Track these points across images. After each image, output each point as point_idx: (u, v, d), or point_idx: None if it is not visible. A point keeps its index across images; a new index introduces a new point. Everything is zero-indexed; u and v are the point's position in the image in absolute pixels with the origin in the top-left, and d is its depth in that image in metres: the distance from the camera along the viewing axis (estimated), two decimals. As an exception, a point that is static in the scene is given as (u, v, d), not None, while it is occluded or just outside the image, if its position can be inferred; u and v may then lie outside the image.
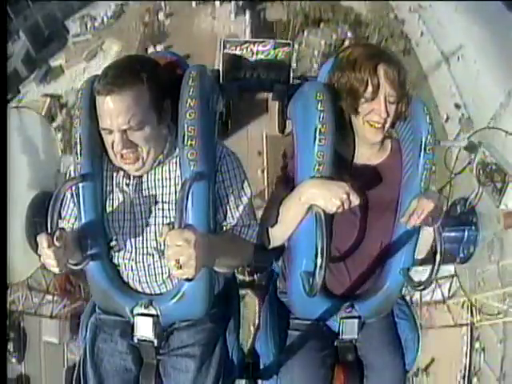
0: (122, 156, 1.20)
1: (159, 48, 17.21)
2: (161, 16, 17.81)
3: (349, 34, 16.75)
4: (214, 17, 17.20)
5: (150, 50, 17.20)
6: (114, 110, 1.14)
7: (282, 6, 17.25)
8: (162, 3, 17.97)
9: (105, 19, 18.79)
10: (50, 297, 8.52)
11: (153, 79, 1.18)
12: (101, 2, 19.32)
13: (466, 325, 8.78)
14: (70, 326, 10.18)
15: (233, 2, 17.01)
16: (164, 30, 17.56)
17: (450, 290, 7.87)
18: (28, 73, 17.48)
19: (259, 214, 1.41)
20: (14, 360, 12.12)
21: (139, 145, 1.19)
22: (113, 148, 1.20)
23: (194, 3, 17.53)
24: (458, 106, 15.16)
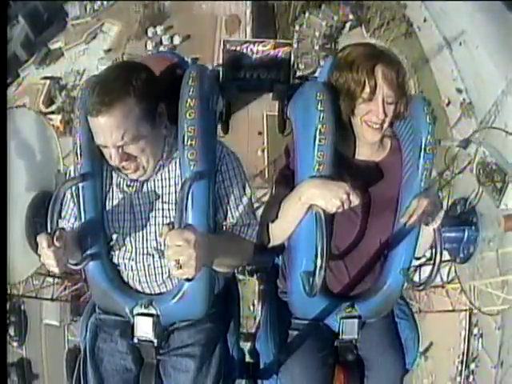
0: (122, 167, 1.20)
1: (159, 29, 17.04)
2: None
3: (350, 16, 16.70)
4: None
5: (150, 30, 17.00)
6: (105, 129, 1.12)
7: None
8: None
9: (104, 1, 18.67)
10: (50, 279, 8.47)
11: (141, 89, 1.14)
12: None
13: (465, 310, 8.77)
14: (70, 307, 10.13)
15: None
16: (164, 10, 17.36)
17: (448, 275, 7.84)
18: (27, 56, 17.39)
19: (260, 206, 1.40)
20: (15, 344, 12.08)
21: (137, 156, 1.19)
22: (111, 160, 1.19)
23: None
24: (459, 91, 15.14)
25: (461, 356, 10.74)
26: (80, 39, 17.43)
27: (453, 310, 8.51)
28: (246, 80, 1.81)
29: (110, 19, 17.89)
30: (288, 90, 1.63)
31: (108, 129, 1.12)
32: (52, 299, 8.84)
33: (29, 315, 11.92)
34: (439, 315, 8.79)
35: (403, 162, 1.38)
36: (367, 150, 1.36)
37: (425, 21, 16.88)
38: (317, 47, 15.71)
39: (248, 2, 16.61)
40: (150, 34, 17.24)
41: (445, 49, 16.21)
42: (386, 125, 1.28)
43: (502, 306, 7.06)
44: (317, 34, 15.99)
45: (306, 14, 16.47)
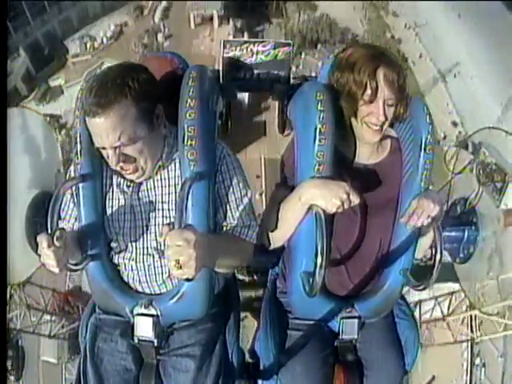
0: (121, 168, 1.20)
1: None
2: (160, 37, 18.00)
3: None
4: (213, 39, 17.29)
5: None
6: (102, 130, 1.12)
7: (279, 27, 17.38)
8: (161, 25, 18.06)
9: (104, 40, 18.92)
10: (48, 316, 8.51)
11: (138, 91, 1.14)
12: (100, 22, 19.47)
13: (466, 341, 8.73)
14: (68, 345, 10.06)
15: (231, 23, 17.08)
16: (163, 51, 17.72)
17: (449, 307, 7.89)
18: (28, 91, 17.57)
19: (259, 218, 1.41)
20: (11, 378, 12.03)
21: (135, 157, 1.19)
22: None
23: (192, 24, 17.59)
24: (455, 124, 15.21)
25: (464, 387, 10.73)
26: (80, 77, 17.50)
27: (454, 342, 8.53)
28: (245, 80, 1.81)
29: (109, 58, 18.08)
30: (288, 90, 1.63)
31: (104, 130, 1.12)
32: (50, 336, 8.84)
33: (26, 351, 11.84)
34: (441, 348, 8.74)
35: (403, 162, 1.38)
36: (367, 150, 1.36)
37: (420, 57, 16.95)
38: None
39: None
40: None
41: (440, 82, 16.23)
42: (385, 126, 1.28)
43: (505, 333, 7.07)
44: (313, 74, 16.03)
45: (303, 55, 16.58)
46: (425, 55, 16.94)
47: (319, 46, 17.01)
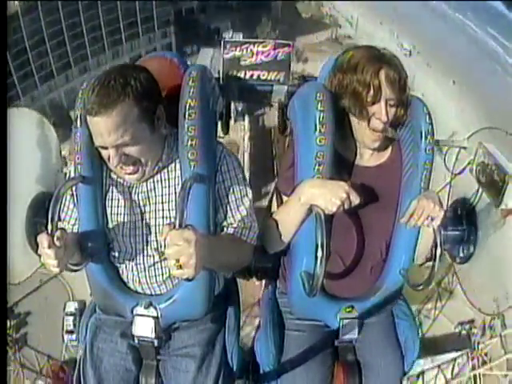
0: (121, 168, 1.20)
1: None
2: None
3: None
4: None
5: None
6: (104, 130, 1.12)
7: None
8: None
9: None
10: (41, 382, 8.40)
11: (140, 91, 1.15)
12: None
13: None
14: None
15: (232, 107, 17.18)
16: None
17: (452, 372, 7.86)
18: None
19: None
20: None
21: (135, 157, 1.19)
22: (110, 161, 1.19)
23: None
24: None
25: None
26: None
27: None
28: (246, 80, 1.81)
29: None
30: (288, 90, 1.63)
31: (106, 129, 1.12)
32: None
33: None
34: None
35: (403, 162, 1.38)
36: (367, 150, 1.36)
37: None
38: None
39: (247, 127, 16.75)
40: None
41: (437, 155, 16.21)
42: (387, 127, 1.28)
43: None
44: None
45: None
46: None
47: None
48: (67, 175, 1.36)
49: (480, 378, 7.28)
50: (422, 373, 7.79)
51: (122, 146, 1.15)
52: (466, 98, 15.37)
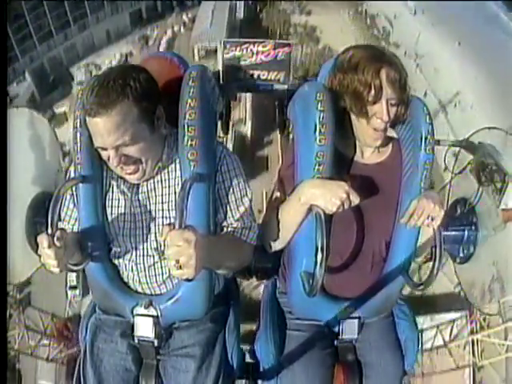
0: (121, 169, 1.20)
1: None
2: None
3: None
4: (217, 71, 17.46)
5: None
6: (103, 130, 1.12)
7: None
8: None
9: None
10: (46, 341, 8.47)
11: (139, 91, 1.14)
12: (105, 51, 19.58)
13: (469, 366, 8.64)
14: (66, 371, 9.95)
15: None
16: None
17: (451, 334, 7.88)
18: None
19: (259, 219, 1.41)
20: None
21: (135, 158, 1.19)
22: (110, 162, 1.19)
23: (196, 57, 17.59)
24: (455, 155, 15.24)
25: (466, 415, 10.64)
26: None
27: (456, 368, 8.47)
28: (246, 80, 1.81)
29: None
30: (288, 90, 1.63)
31: (106, 130, 1.12)
32: (47, 359, 8.78)
33: (23, 374, 11.76)
34: (443, 377, 8.69)
35: (403, 162, 1.38)
36: (368, 150, 1.36)
37: (419, 85, 16.88)
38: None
39: (248, 98, 16.75)
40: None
41: (440, 113, 16.24)
42: (387, 126, 1.28)
43: (507, 355, 7.04)
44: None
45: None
46: (426, 87, 17.02)
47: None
48: (67, 175, 1.36)
49: (478, 343, 7.30)
50: (421, 332, 7.80)
51: (122, 147, 1.15)
52: (470, 60, 15.33)
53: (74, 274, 12.12)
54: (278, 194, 1.40)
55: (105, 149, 1.16)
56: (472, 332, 7.28)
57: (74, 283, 12.44)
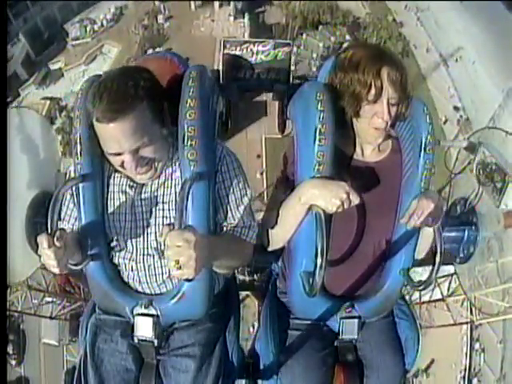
0: (134, 169, 1.19)
1: (158, 51, 17.42)
2: (160, 19, 17.90)
3: (347, 37, 16.87)
4: (213, 20, 17.29)
5: (150, 52, 17.38)
6: (120, 136, 1.11)
7: (281, 8, 17.36)
8: (162, 6, 18.08)
9: (104, 22, 18.90)
10: (49, 298, 8.44)
11: (150, 91, 1.15)
12: (100, 5, 19.45)
13: (466, 323, 8.69)
14: (69, 327, 10.04)
15: (232, 5, 17.06)
16: (163, 32, 17.69)
17: (449, 289, 7.83)
18: (28, 76, 17.68)
19: (259, 216, 1.41)
20: (13, 362, 12.03)
21: (151, 158, 1.19)
22: (123, 167, 1.19)
23: (193, 6, 17.58)
24: (456, 108, 15.19)
25: (463, 372, 10.64)
26: (80, 60, 17.56)
27: (454, 324, 8.44)
28: (246, 80, 1.81)
29: (109, 41, 18.06)
30: (288, 90, 1.63)
31: (124, 135, 1.11)
32: (51, 317, 8.76)
33: (27, 334, 11.82)
34: (440, 332, 8.69)
35: (403, 162, 1.38)
36: (368, 150, 1.36)
37: (420, 37, 16.80)
38: (314, 68, 15.70)
39: (246, 24, 16.74)
40: (149, 53, 17.25)
41: (441, 66, 16.21)
42: (388, 126, 1.28)
43: (504, 316, 7.04)
44: (314, 55, 16.01)
45: (304, 36, 16.53)
46: (427, 39, 16.94)
47: (320, 27, 17.02)
48: (67, 175, 1.36)
49: (475, 301, 7.28)
50: (419, 283, 7.79)
51: (140, 149, 1.15)
52: (472, 18, 15.30)
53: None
54: (277, 193, 1.40)
55: (119, 154, 1.15)
56: (470, 289, 7.28)
57: None
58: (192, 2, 17.68)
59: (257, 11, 17.67)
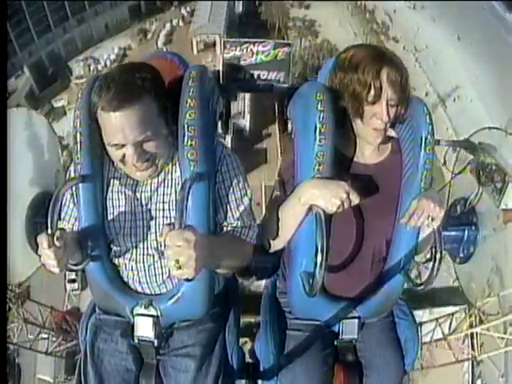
0: (135, 164, 1.19)
1: None
2: None
3: None
4: (215, 65, 17.42)
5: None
6: (126, 125, 1.11)
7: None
8: (164, 49, 18.16)
9: (107, 62, 19.03)
10: (45, 334, 8.40)
11: (157, 86, 1.16)
12: (104, 45, 19.60)
13: (468, 360, 8.63)
14: (65, 365, 9.85)
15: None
16: None
17: (450, 327, 7.87)
18: None
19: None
20: None
21: (153, 153, 1.19)
22: (123, 161, 1.18)
23: (195, 50, 17.52)
24: (454, 150, 15.25)
25: (465, 409, 10.62)
26: None
27: (456, 362, 8.45)
28: (246, 80, 1.81)
29: None
30: (288, 90, 1.63)
31: (129, 125, 1.11)
32: (46, 353, 8.74)
33: (22, 368, 11.70)
34: (442, 371, 8.71)
35: (403, 162, 1.38)
36: (368, 150, 1.36)
37: (418, 78, 16.82)
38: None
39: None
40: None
41: (439, 107, 16.25)
42: (388, 127, 1.28)
43: (506, 348, 7.03)
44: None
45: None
46: (425, 80, 17.02)
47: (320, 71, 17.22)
48: (67, 175, 1.36)
49: (477, 337, 7.28)
50: (420, 325, 7.79)
51: (143, 142, 1.15)
52: (470, 54, 15.39)
53: (73, 268, 12.08)
54: (277, 193, 1.40)
55: (122, 146, 1.15)
56: (471, 326, 7.27)
57: (73, 276, 12.40)
58: (195, 46, 17.77)
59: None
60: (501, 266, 2.24)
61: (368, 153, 1.37)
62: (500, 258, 2.23)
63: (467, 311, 7.44)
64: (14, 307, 7.44)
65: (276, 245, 1.38)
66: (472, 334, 7.45)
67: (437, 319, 8.09)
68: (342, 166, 1.32)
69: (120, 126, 1.12)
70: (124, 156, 1.16)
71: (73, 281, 12.48)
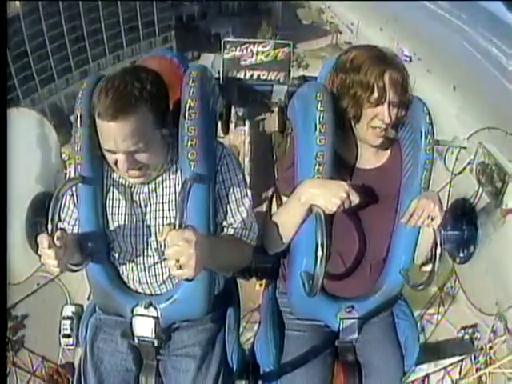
0: (126, 171, 1.18)
1: None
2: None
3: None
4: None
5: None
6: (118, 136, 1.10)
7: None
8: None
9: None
10: None
11: (156, 96, 1.13)
12: None
13: None
14: None
15: (232, 112, 17.07)
16: None
17: (460, 372, 7.82)
18: None
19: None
20: None
21: (145, 164, 1.18)
22: (116, 166, 1.18)
23: None
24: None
25: None
26: None
27: None
28: (246, 80, 1.81)
29: None
30: (288, 90, 1.63)
31: (121, 135, 1.10)
32: None
33: None
34: None
35: (403, 162, 1.38)
36: (368, 151, 1.36)
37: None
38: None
39: (247, 132, 16.72)
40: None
41: (438, 160, 16.32)
42: (389, 128, 1.28)
43: None
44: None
45: None
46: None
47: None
48: (67, 175, 1.36)
49: (487, 378, 7.25)
50: (427, 376, 7.76)
51: (135, 153, 1.14)
52: (466, 103, 15.47)
53: (68, 322, 11.55)
54: (278, 194, 1.40)
55: (114, 152, 1.14)
56: (478, 370, 7.27)
57: (68, 332, 11.81)
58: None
59: (257, 119, 17.61)
60: (501, 265, 2.23)
61: (368, 154, 1.37)
62: (500, 258, 2.22)
63: (473, 359, 7.45)
64: (8, 354, 7.34)
65: (277, 246, 1.38)
66: (480, 377, 7.44)
67: (445, 368, 8.04)
68: (342, 166, 1.32)
69: (112, 135, 1.10)
70: (116, 161, 1.16)
71: (67, 336, 11.95)
